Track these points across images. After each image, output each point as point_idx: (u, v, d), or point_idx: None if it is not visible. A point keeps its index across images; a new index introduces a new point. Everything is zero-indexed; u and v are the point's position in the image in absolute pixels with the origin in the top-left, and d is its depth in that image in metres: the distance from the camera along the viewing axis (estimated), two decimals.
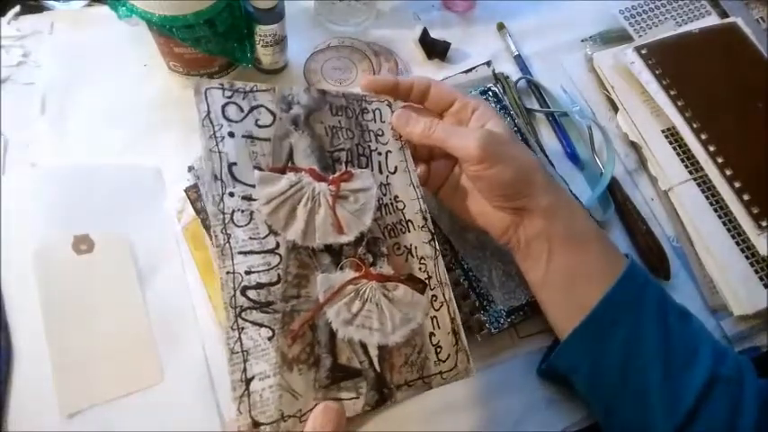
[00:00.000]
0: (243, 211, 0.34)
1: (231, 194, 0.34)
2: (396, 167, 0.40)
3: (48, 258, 0.45)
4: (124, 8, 0.46)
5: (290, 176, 0.36)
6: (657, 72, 0.57)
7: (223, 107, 0.36)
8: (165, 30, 0.47)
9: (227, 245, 0.33)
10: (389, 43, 0.61)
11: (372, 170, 0.39)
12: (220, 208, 0.33)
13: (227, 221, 0.33)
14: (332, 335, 0.34)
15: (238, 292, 0.32)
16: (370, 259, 0.37)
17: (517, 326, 0.47)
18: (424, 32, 0.60)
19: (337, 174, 0.38)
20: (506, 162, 0.39)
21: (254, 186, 0.35)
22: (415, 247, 0.38)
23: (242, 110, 0.36)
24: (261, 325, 0.32)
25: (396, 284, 0.36)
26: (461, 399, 0.46)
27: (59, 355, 0.42)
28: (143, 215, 0.49)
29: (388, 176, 0.40)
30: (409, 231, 0.39)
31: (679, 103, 0.56)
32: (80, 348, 0.43)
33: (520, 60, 0.62)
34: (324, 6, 0.61)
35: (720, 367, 0.39)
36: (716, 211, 0.53)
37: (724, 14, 0.65)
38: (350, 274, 0.36)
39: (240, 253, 0.33)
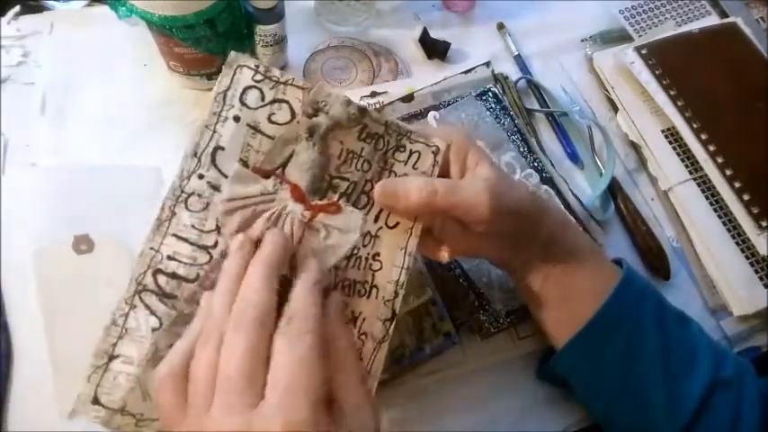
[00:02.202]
0: (201, 197, 0.31)
1: (200, 176, 0.32)
2: (397, 223, 0.35)
3: (48, 258, 0.45)
4: (124, 8, 0.47)
5: (268, 184, 0.32)
6: (657, 72, 0.57)
7: (245, 89, 0.33)
8: (165, 30, 0.47)
9: (168, 222, 0.31)
10: (389, 43, 0.61)
11: (367, 214, 0.34)
12: (182, 185, 0.32)
13: (179, 200, 0.31)
14: None
15: (150, 272, 0.31)
16: None
17: (517, 326, 0.47)
18: (424, 32, 0.60)
19: (324, 201, 0.33)
20: (514, 213, 0.36)
21: (227, 177, 0.32)
22: (364, 319, 0.33)
23: (263, 99, 0.33)
24: (153, 313, 0.30)
25: None
26: (461, 399, 0.46)
27: (59, 355, 0.42)
28: (143, 215, 0.48)
29: (381, 228, 0.34)
30: (368, 298, 0.33)
31: (679, 103, 0.56)
32: (80, 349, 0.43)
33: (520, 60, 0.61)
34: (324, 6, 0.61)
35: (720, 371, 0.39)
36: (716, 211, 0.53)
37: (724, 14, 0.65)
38: None
39: (174, 236, 0.31)
